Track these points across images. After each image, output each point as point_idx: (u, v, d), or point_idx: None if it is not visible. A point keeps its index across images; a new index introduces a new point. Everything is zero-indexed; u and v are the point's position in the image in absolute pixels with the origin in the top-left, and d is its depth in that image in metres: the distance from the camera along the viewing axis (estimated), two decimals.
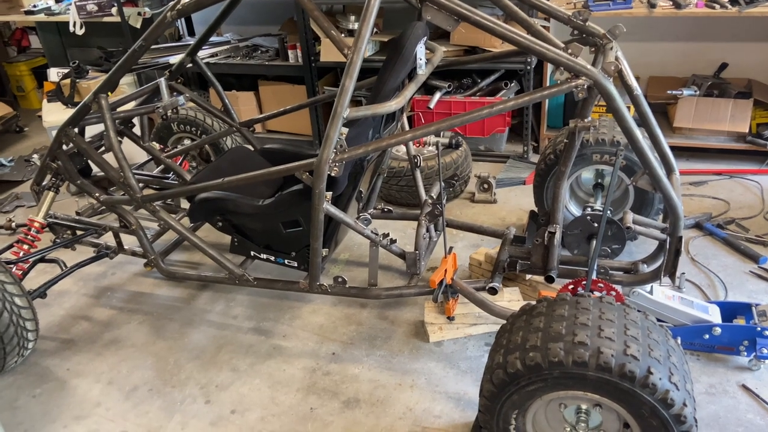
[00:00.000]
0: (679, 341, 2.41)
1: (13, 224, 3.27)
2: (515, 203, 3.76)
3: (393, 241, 2.57)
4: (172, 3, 2.35)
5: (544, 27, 2.33)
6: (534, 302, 1.92)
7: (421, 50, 2.34)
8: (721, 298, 2.79)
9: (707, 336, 2.39)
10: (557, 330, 1.74)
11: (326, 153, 2.09)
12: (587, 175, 3.16)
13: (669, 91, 4.03)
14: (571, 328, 1.73)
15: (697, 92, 4.03)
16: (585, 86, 1.95)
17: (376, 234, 2.50)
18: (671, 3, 3.54)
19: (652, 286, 2.50)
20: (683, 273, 2.66)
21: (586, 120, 2.05)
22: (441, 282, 2.42)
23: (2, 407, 2.53)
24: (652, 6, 3.52)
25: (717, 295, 2.81)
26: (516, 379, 1.76)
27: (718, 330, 2.36)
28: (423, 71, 2.37)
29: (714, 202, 3.57)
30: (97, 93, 2.57)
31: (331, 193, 2.24)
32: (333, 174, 2.13)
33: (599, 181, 3.11)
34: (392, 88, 2.31)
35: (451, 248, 2.54)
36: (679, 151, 4.01)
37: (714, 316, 2.43)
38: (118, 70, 2.52)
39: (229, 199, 2.58)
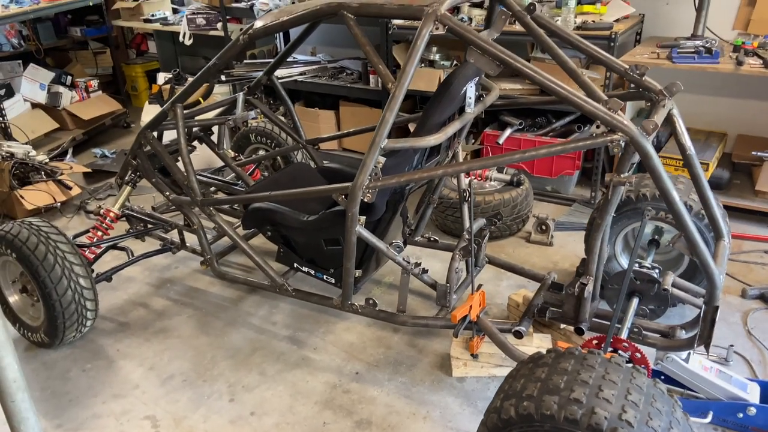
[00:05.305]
0: (710, 416, 2.30)
1: (102, 211, 3.59)
2: (572, 248, 3.68)
3: (425, 271, 2.61)
4: (245, 27, 2.54)
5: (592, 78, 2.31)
6: (543, 351, 1.91)
7: (471, 90, 2.40)
8: None
9: (741, 415, 2.25)
10: (556, 383, 1.72)
11: (361, 179, 2.19)
12: (648, 230, 3.05)
13: (754, 152, 3.81)
14: (570, 384, 1.70)
15: None
16: (620, 142, 1.93)
17: (408, 262, 2.56)
18: (761, 62, 3.37)
19: (689, 354, 2.38)
20: (731, 345, 2.52)
21: (622, 175, 2.02)
22: (464, 318, 2.43)
23: (56, 376, 2.80)
24: (740, 63, 3.37)
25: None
26: (508, 427, 1.75)
27: (753, 410, 2.21)
28: (471, 110, 2.42)
29: None
30: (174, 102, 2.82)
31: (364, 217, 2.33)
32: (366, 200, 2.21)
33: (656, 237, 3.00)
34: (437, 123, 2.37)
35: (480, 286, 2.54)
36: (761, 216, 3.79)
37: (752, 394, 2.28)
38: (193, 84, 2.75)
39: (278, 211, 2.73)
